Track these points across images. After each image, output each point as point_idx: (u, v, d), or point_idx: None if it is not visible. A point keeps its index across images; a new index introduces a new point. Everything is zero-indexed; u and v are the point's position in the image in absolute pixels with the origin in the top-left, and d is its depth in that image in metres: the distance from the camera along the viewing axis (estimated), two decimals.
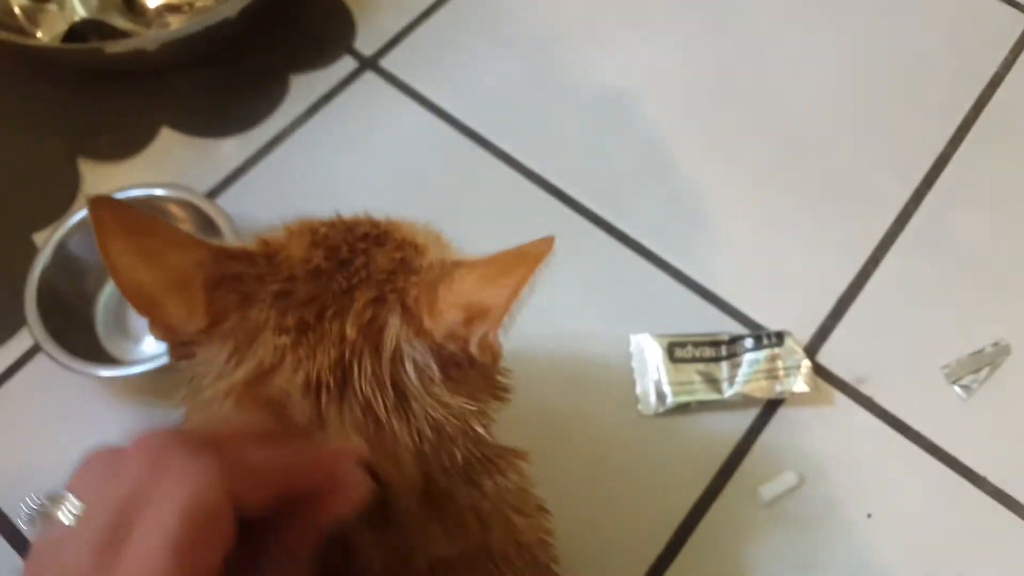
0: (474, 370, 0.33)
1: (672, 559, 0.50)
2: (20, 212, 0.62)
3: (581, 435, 0.53)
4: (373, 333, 0.31)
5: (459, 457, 0.32)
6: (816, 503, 0.51)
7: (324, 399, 0.30)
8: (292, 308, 0.31)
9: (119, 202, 0.31)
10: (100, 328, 0.57)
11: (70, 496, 0.24)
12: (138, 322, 0.58)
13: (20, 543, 0.51)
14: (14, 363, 0.57)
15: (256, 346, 0.31)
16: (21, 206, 0.63)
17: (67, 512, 0.24)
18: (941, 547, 0.50)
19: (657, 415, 0.54)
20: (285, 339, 0.30)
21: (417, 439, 0.31)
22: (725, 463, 0.52)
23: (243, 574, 0.25)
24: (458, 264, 0.32)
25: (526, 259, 0.30)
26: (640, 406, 0.54)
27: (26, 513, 0.25)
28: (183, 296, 0.31)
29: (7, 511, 0.52)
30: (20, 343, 0.57)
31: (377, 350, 0.31)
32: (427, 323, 0.31)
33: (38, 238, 0.61)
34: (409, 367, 0.31)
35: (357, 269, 0.32)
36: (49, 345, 0.52)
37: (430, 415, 0.31)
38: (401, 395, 0.31)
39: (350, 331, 0.31)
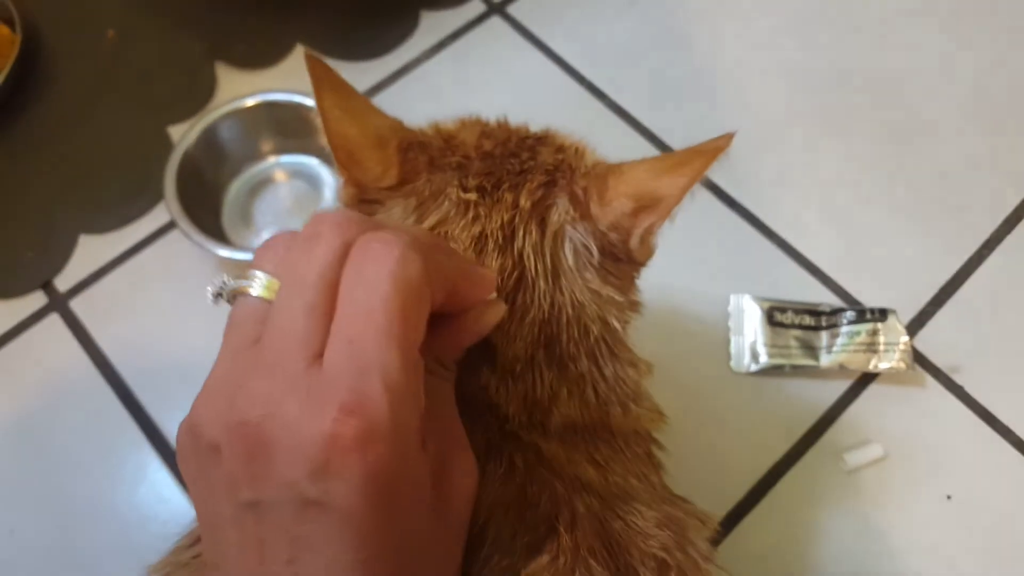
0: (627, 266, 0.34)
1: (750, 509, 0.51)
2: (159, 105, 0.66)
3: (673, 383, 0.55)
4: (542, 208, 0.33)
5: (591, 336, 0.33)
6: (897, 477, 0.52)
7: (488, 251, 0.32)
8: (472, 175, 0.33)
9: (328, 66, 0.34)
10: (226, 216, 0.60)
11: (259, 273, 0.26)
12: (260, 218, 0.60)
13: (139, 412, 0.54)
14: (147, 237, 0.60)
15: (441, 201, 0.33)
16: (160, 100, 0.66)
17: (259, 286, 0.25)
18: (1016, 539, 0.51)
19: (749, 373, 0.55)
20: (470, 195, 0.33)
21: (555, 309, 0.33)
22: (813, 427, 0.53)
23: None
24: (624, 163, 0.34)
25: (702, 153, 0.31)
26: (732, 363, 0.55)
27: (212, 291, 0.26)
28: (380, 154, 0.33)
29: (125, 376, 0.55)
30: (153, 220, 0.60)
31: (543, 224, 0.33)
32: (594, 210, 0.33)
33: (174, 132, 0.64)
34: (568, 248, 0.33)
35: (525, 160, 0.34)
36: (182, 220, 0.55)
37: (576, 295, 0.33)
38: (555, 270, 0.33)
39: (524, 201, 0.33)
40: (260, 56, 0.68)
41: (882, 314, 0.55)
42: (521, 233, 0.32)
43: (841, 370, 0.54)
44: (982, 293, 0.58)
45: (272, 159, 0.62)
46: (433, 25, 0.70)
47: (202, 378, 0.25)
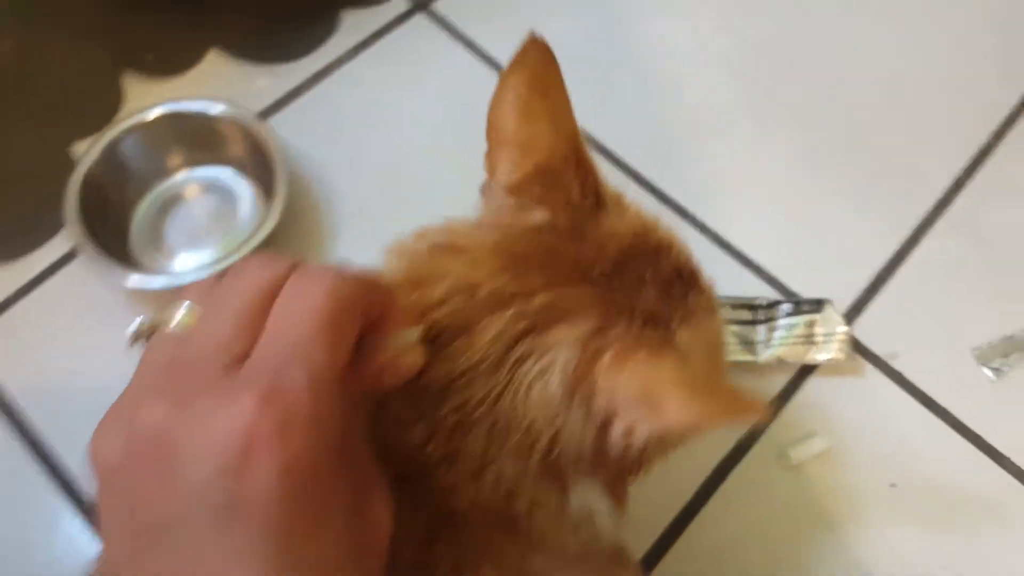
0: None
1: (696, 512, 0.50)
2: (63, 121, 0.62)
3: None
4: (549, 323, 0.28)
5: (503, 480, 0.29)
6: (841, 469, 0.52)
7: (474, 306, 0.29)
8: (560, 244, 0.31)
9: (551, 58, 0.33)
10: (134, 238, 0.57)
11: (182, 303, 0.25)
12: (173, 238, 0.57)
13: (41, 450, 0.51)
14: (48, 267, 0.56)
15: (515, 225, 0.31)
16: (64, 115, 0.62)
17: (181, 315, 0.24)
18: (961, 522, 0.51)
19: None
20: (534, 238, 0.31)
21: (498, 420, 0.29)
22: (754, 424, 0.53)
23: None
24: (675, 347, 0.29)
25: (729, 401, 0.27)
26: None
27: (130, 334, 0.25)
28: (520, 164, 0.32)
29: (32, 419, 0.52)
30: (54, 250, 0.57)
31: (538, 332, 0.28)
32: (598, 373, 0.28)
33: (79, 148, 0.60)
34: (535, 379, 0.28)
35: (635, 280, 0.31)
36: (86, 245, 0.52)
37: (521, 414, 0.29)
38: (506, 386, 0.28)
39: (539, 299, 0.29)
40: (170, 63, 0.65)
41: (818, 305, 0.54)
42: (500, 324, 0.28)
43: (780, 364, 0.53)
44: (917, 277, 0.58)
45: (182, 174, 0.58)
46: (355, 24, 0.67)
47: None
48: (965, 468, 0.52)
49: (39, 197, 0.57)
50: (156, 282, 0.52)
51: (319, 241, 0.59)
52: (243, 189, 0.59)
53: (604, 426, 0.29)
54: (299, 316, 0.23)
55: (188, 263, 0.56)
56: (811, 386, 0.54)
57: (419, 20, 0.68)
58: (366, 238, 0.58)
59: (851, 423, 0.53)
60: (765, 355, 0.53)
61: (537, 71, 0.33)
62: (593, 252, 0.31)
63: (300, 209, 0.59)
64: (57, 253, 0.57)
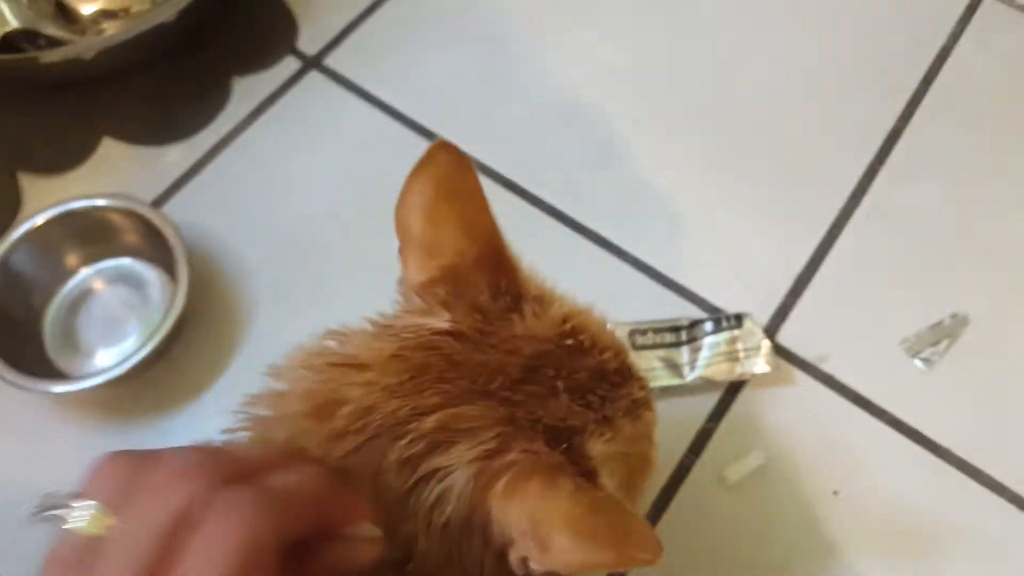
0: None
1: None
2: None
3: None
4: (443, 445, 0.28)
5: None
6: (782, 483, 0.51)
7: (376, 433, 0.28)
8: (461, 353, 0.30)
9: (462, 160, 0.33)
10: (49, 345, 0.56)
11: (93, 503, 0.23)
12: (89, 336, 0.56)
13: None
14: None
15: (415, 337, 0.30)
16: None
17: (93, 521, 0.23)
18: (908, 520, 0.50)
19: None
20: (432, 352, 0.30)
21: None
22: (690, 447, 0.52)
23: None
24: (576, 475, 0.28)
25: (619, 548, 0.26)
26: None
27: (36, 508, 0.24)
28: (426, 266, 0.32)
29: None
30: None
31: (432, 455, 0.28)
32: (493, 497, 0.27)
33: None
34: (433, 507, 0.28)
35: (545, 388, 0.30)
36: None
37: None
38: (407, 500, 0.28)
39: (432, 421, 0.28)
40: (65, 158, 0.63)
41: (738, 320, 0.53)
42: (407, 440, 0.28)
43: (707, 384, 0.53)
44: (838, 274, 0.57)
45: (85, 270, 0.57)
46: (247, 90, 0.66)
47: None
48: (906, 465, 0.51)
49: None
50: (78, 385, 0.51)
51: (235, 317, 0.57)
52: (150, 274, 0.57)
53: (502, 554, 0.28)
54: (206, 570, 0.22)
55: (109, 358, 0.55)
56: (743, 401, 0.53)
57: (312, 77, 0.67)
58: (282, 310, 0.58)
59: (788, 433, 0.52)
60: (691, 376, 0.52)
61: (444, 175, 0.32)
62: (499, 360, 0.30)
63: (212, 287, 0.58)
64: None
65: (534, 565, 0.27)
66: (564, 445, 0.29)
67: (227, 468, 0.24)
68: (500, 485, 0.27)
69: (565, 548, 0.26)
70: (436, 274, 0.32)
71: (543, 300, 0.33)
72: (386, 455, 0.28)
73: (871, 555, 0.49)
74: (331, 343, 0.32)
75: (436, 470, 0.27)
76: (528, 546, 0.27)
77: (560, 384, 0.30)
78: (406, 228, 0.33)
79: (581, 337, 0.32)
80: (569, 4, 0.70)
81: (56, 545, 0.24)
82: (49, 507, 0.24)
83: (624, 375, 0.32)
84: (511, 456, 0.27)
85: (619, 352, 0.33)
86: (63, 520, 0.23)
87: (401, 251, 0.34)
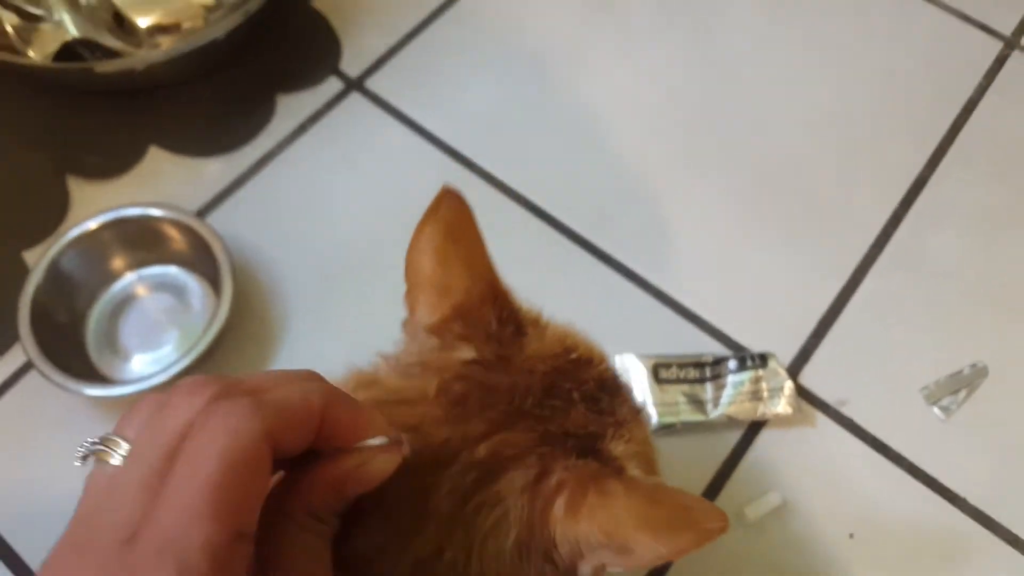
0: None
1: None
2: (10, 230, 0.62)
3: None
4: (496, 473, 0.29)
5: None
6: (800, 523, 0.52)
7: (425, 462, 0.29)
8: (492, 378, 0.32)
9: (464, 206, 0.35)
10: (91, 346, 0.57)
11: (116, 438, 0.25)
12: (128, 340, 0.58)
13: (13, 560, 0.51)
14: (6, 380, 0.57)
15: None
16: (11, 224, 0.63)
17: (116, 452, 0.25)
18: (922, 567, 0.51)
19: None
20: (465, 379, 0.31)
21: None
22: (710, 484, 0.53)
23: (271, 530, 0.25)
24: (613, 479, 0.29)
25: (694, 528, 0.27)
26: None
27: (79, 453, 0.26)
28: (438, 306, 0.34)
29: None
30: (13, 360, 0.57)
31: (487, 484, 0.29)
32: (556, 516, 0.28)
33: (29, 256, 0.61)
34: (488, 534, 0.29)
35: (564, 401, 0.32)
36: (41, 362, 0.52)
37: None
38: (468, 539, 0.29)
39: (483, 449, 0.29)
40: (112, 165, 0.65)
41: (763, 360, 0.54)
42: (459, 471, 0.29)
43: (730, 421, 0.54)
44: (860, 319, 0.58)
45: (129, 275, 0.59)
46: (291, 109, 0.68)
47: None
48: (922, 512, 0.52)
49: None
50: (115, 391, 0.53)
51: (269, 332, 0.59)
52: (192, 284, 0.59)
53: (570, 570, 0.29)
54: (192, 477, 0.23)
55: (146, 364, 0.57)
56: (763, 440, 0.54)
57: (353, 99, 0.68)
58: (316, 326, 0.59)
59: (806, 475, 0.53)
60: (715, 414, 0.54)
61: (451, 220, 0.35)
62: (524, 381, 0.32)
63: (250, 300, 0.59)
64: (13, 367, 0.57)
65: (618, 569, 0.29)
66: (593, 452, 0.31)
67: (231, 385, 0.26)
68: (559, 509, 0.28)
69: (647, 545, 0.27)
70: (448, 312, 0.34)
71: (539, 324, 0.36)
72: (439, 483, 0.29)
73: None
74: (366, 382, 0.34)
75: (490, 498, 0.29)
76: (607, 555, 0.28)
77: (576, 395, 0.32)
78: (417, 271, 0.35)
79: (580, 351, 0.35)
80: (606, 39, 0.71)
81: (88, 479, 0.25)
82: (87, 450, 0.26)
83: (618, 383, 0.35)
84: (557, 476, 0.29)
85: (610, 364, 0.36)
86: (97, 457, 0.25)
87: (408, 294, 0.36)
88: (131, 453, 0.25)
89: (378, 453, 0.27)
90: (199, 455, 0.24)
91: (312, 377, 0.28)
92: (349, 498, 0.27)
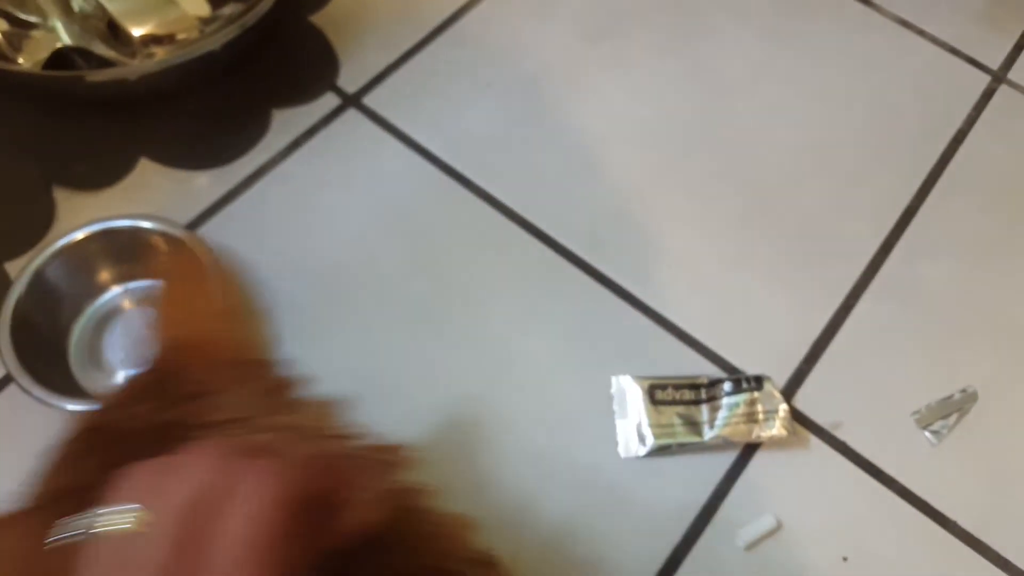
0: None
1: None
2: None
3: (562, 477, 0.53)
4: None
5: None
6: (793, 547, 0.52)
7: None
8: None
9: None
10: (74, 360, 0.56)
11: (122, 505, 0.24)
12: (112, 355, 0.56)
13: None
14: None
15: None
16: None
17: (126, 519, 0.24)
18: None
19: (638, 457, 0.54)
20: None
21: None
22: (705, 506, 0.53)
23: None
24: None
25: None
26: (620, 448, 0.54)
27: (60, 534, 0.24)
28: None
29: None
30: None
31: None
32: None
33: (12, 268, 0.59)
34: None
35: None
36: (21, 376, 0.51)
37: None
38: None
39: None
40: (100, 176, 0.64)
41: (758, 382, 0.54)
42: None
43: (725, 443, 0.54)
44: (853, 343, 0.59)
45: (115, 288, 0.58)
46: (286, 123, 0.68)
47: None
48: (913, 535, 0.52)
49: None
50: (96, 407, 0.51)
51: (262, 345, 0.58)
52: None
53: None
54: (237, 544, 0.23)
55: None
56: (757, 462, 0.54)
57: (350, 115, 0.68)
58: (306, 342, 0.58)
59: (800, 497, 0.53)
60: (710, 435, 0.53)
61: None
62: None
63: (241, 314, 0.58)
64: None
65: None
66: None
67: (239, 445, 0.26)
68: None
69: None
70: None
71: None
72: None
73: None
74: None
75: None
76: None
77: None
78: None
79: None
80: (602, 62, 0.72)
81: (89, 552, 0.24)
82: (70, 528, 0.24)
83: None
84: None
85: None
86: (93, 528, 0.24)
87: None
88: (148, 518, 0.24)
89: (364, 506, 0.27)
90: (246, 506, 0.23)
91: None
92: (330, 546, 0.27)
